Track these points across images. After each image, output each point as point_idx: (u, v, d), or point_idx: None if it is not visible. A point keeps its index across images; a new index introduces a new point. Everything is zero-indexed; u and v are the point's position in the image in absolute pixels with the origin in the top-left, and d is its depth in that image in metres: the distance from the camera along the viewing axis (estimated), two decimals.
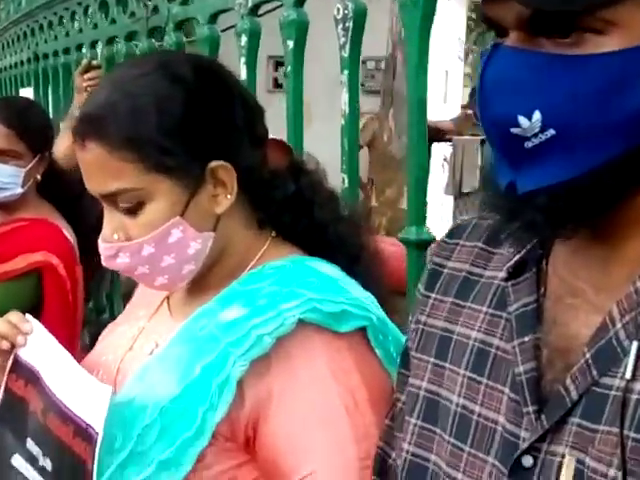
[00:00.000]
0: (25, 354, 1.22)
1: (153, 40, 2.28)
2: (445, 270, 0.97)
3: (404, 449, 0.95)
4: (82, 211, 2.49)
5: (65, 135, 2.78)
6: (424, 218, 1.48)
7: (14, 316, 1.25)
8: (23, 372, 1.21)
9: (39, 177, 2.39)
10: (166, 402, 1.07)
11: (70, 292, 2.31)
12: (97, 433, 1.04)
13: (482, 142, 6.66)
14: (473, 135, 6.80)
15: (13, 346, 1.23)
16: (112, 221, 1.12)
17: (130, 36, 2.40)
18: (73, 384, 1.12)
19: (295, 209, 1.19)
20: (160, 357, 1.13)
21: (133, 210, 1.10)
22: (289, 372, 1.07)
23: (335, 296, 1.10)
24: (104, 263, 1.15)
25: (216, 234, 1.14)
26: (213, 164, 1.11)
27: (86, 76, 2.78)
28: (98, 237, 2.56)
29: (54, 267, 2.26)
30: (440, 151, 7.01)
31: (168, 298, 1.25)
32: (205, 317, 1.12)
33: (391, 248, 1.45)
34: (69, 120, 2.83)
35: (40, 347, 1.21)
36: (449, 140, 7.15)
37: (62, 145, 2.71)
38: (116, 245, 1.12)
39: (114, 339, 1.25)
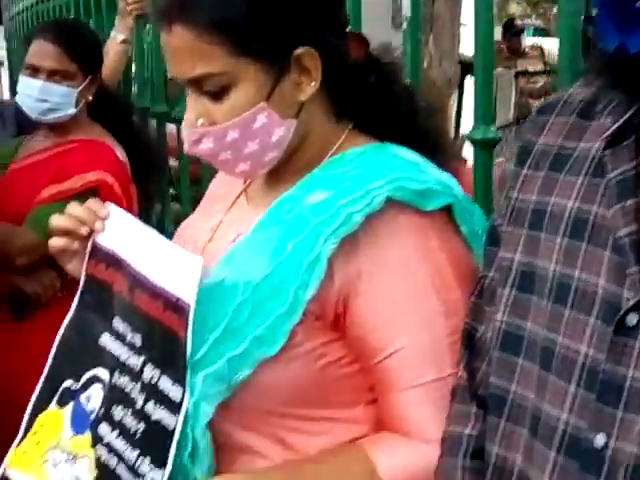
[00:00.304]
0: (104, 239, 1.23)
1: None
2: (536, 146, 0.99)
3: (497, 320, 0.97)
4: (132, 132, 2.52)
5: (107, 57, 2.81)
6: (491, 117, 1.48)
7: (92, 202, 1.27)
8: (103, 257, 1.23)
9: (90, 98, 2.42)
10: (258, 280, 1.10)
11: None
12: (189, 305, 1.07)
13: (516, 75, 6.60)
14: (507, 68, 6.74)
15: (91, 233, 1.25)
16: (196, 106, 1.13)
17: None
18: (161, 259, 1.15)
19: (374, 100, 1.20)
20: (246, 242, 1.15)
21: (218, 95, 1.11)
22: (377, 251, 1.10)
23: (420, 175, 1.12)
24: (186, 149, 1.17)
25: (298, 122, 1.15)
26: (299, 50, 1.11)
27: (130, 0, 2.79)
28: (150, 158, 2.60)
29: (109, 186, 2.30)
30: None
31: (245, 191, 1.28)
32: (289, 203, 1.14)
33: None
34: (111, 44, 2.85)
35: (120, 230, 1.23)
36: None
37: (106, 68, 2.74)
38: (200, 130, 1.13)
39: (192, 233, 1.28)
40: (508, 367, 0.95)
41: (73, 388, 1.23)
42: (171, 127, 2.79)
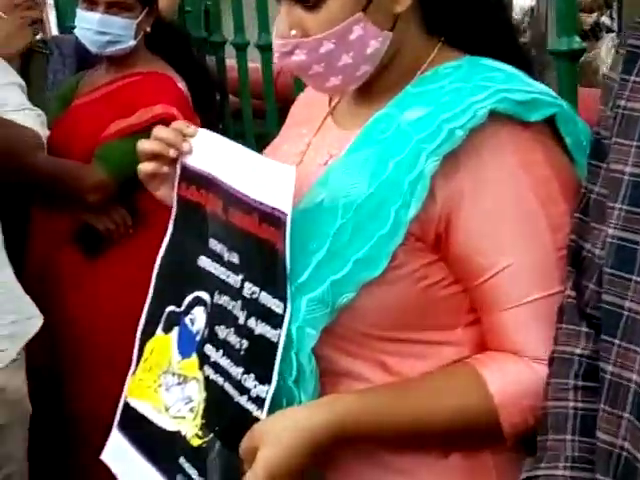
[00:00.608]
0: (192, 160, 1.22)
1: None
2: None
3: (609, 234, 0.94)
4: (192, 64, 2.50)
5: None
6: (574, 28, 1.43)
7: (177, 123, 1.26)
8: (193, 178, 1.22)
9: (148, 29, 2.39)
10: (359, 201, 1.08)
11: None
12: (285, 214, 1.06)
13: None
14: None
15: (178, 156, 1.24)
16: (289, 16, 1.11)
17: None
18: (252, 173, 1.13)
19: (467, 14, 1.15)
20: (342, 162, 1.13)
21: (314, 4, 1.08)
22: (479, 167, 1.07)
23: (523, 86, 1.09)
24: (277, 61, 1.15)
25: (393, 35, 1.12)
26: None
27: None
28: (210, 90, 2.57)
29: (175, 118, 2.26)
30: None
31: (331, 113, 1.25)
32: (384, 121, 1.11)
33: None
34: None
35: (207, 149, 1.21)
36: None
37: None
38: (293, 41, 1.11)
39: (280, 157, 1.25)
40: (621, 283, 0.92)
41: (177, 312, 1.24)
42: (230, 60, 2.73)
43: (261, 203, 1.10)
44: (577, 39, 1.43)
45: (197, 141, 1.22)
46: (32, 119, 2.05)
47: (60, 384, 2.35)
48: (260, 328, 1.10)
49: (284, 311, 1.07)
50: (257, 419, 1.07)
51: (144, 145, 1.24)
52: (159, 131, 1.24)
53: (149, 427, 1.23)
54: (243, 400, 1.10)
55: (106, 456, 1.32)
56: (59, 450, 2.37)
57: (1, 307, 2.00)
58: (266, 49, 2.29)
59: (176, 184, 1.26)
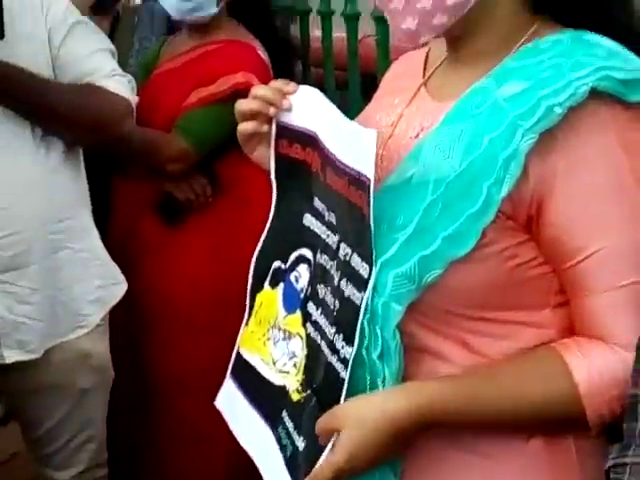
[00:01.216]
0: (291, 118, 1.21)
1: None
2: None
3: None
4: (273, 32, 2.48)
5: None
6: None
7: (276, 82, 1.24)
8: (294, 136, 1.21)
9: None
10: (452, 177, 1.06)
11: None
12: (369, 179, 1.05)
13: None
14: None
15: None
16: None
17: None
18: (342, 135, 1.12)
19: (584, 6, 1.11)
20: (434, 136, 1.11)
21: None
22: (577, 147, 1.04)
23: (626, 64, 1.05)
24: None
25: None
26: None
27: None
28: (291, 59, 2.55)
29: None
30: None
31: (425, 84, 1.23)
32: (480, 95, 1.08)
33: None
34: None
35: (304, 107, 1.20)
36: None
37: None
38: None
39: (372, 127, 1.22)
40: None
41: (282, 268, 1.25)
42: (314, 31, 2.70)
43: (349, 167, 1.09)
44: None
45: (295, 98, 1.20)
46: (123, 86, 2.07)
47: (139, 350, 2.40)
48: (348, 290, 1.10)
49: (369, 275, 1.07)
50: (343, 380, 1.08)
51: (242, 105, 1.23)
52: (258, 89, 1.23)
53: (258, 378, 1.25)
54: (334, 360, 1.11)
55: (219, 402, 1.35)
56: (137, 415, 2.42)
57: (88, 271, 2.05)
58: (352, 19, 2.26)
59: (273, 142, 1.25)
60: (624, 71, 1.04)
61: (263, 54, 2.37)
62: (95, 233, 2.10)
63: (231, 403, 1.32)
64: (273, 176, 1.27)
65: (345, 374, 1.08)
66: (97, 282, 2.07)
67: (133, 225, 2.38)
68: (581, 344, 1.07)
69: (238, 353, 1.32)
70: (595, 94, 1.03)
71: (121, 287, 2.13)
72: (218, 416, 1.34)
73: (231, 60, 2.31)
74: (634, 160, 1.04)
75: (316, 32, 2.61)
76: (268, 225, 1.30)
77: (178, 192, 2.33)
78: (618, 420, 1.00)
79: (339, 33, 2.44)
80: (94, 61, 2.04)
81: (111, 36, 2.76)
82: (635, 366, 1.00)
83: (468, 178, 1.05)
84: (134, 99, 2.10)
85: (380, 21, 2.06)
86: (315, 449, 1.09)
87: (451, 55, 1.20)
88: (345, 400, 1.08)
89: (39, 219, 1.94)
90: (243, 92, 2.19)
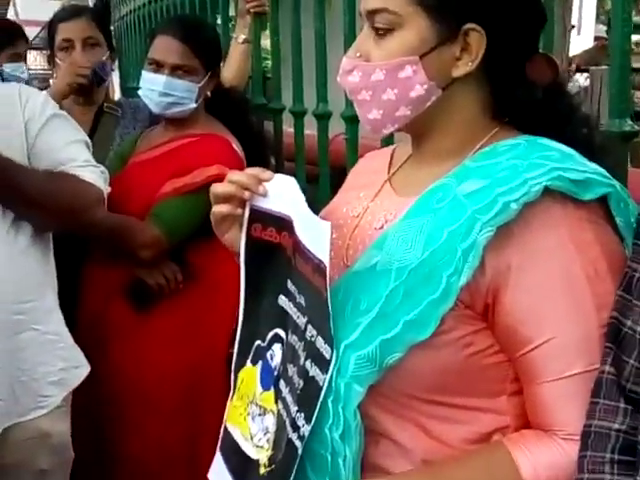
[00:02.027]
0: (265, 203, 1.26)
1: None
2: None
3: None
4: (248, 128, 2.56)
5: (231, 58, 2.86)
6: (627, 110, 1.47)
7: (253, 169, 1.29)
8: (272, 220, 1.26)
9: (209, 94, 2.47)
10: (413, 265, 1.11)
11: None
12: (325, 266, 1.11)
13: None
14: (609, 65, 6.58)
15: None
16: (362, 41, 1.19)
17: None
18: (305, 222, 1.18)
19: (531, 99, 1.20)
20: (398, 228, 1.17)
21: (383, 34, 1.16)
22: (531, 241, 1.10)
23: (578, 166, 1.12)
24: (338, 79, 1.22)
25: (442, 96, 1.17)
26: (470, 25, 1.14)
27: None
28: (265, 154, 2.62)
29: None
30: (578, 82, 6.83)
31: (389, 181, 1.30)
32: (441, 191, 1.15)
33: None
34: (233, 45, 2.90)
35: (279, 192, 1.25)
36: (585, 70, 6.97)
37: (229, 68, 2.80)
38: (355, 61, 1.19)
39: (337, 219, 1.29)
40: None
41: (262, 346, 1.29)
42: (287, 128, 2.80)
43: (312, 254, 1.15)
44: (629, 121, 1.46)
45: (270, 185, 1.26)
46: (97, 175, 2.13)
47: (104, 433, 2.40)
48: (313, 371, 1.15)
49: (330, 357, 1.12)
50: (302, 457, 1.12)
51: (217, 188, 1.28)
52: (234, 175, 1.28)
53: (239, 452, 1.29)
54: (294, 437, 1.15)
55: (210, 476, 1.38)
56: None
57: (51, 353, 2.06)
58: (323, 117, 2.35)
59: (245, 226, 1.29)
60: (576, 172, 1.10)
61: (238, 148, 2.45)
62: (59, 315, 2.12)
63: (219, 477, 1.35)
64: (242, 259, 1.31)
65: (301, 451, 1.12)
66: (60, 364, 2.08)
67: (103, 308, 2.40)
68: (528, 439, 1.11)
69: (225, 428, 1.35)
70: (549, 193, 1.09)
71: (84, 370, 2.14)
72: None
73: (207, 153, 2.38)
74: (583, 257, 1.10)
75: (289, 129, 2.69)
76: (243, 305, 1.34)
77: (149, 277, 2.36)
78: None
79: (310, 131, 2.52)
80: (69, 151, 2.11)
81: (94, 128, 2.85)
82: (583, 452, 1.05)
83: (429, 267, 1.10)
84: (106, 189, 2.15)
85: (350, 120, 2.15)
86: None
87: (415, 153, 1.27)
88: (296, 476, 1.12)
89: (4, 299, 1.96)
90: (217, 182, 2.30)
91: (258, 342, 1.30)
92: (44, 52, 2.79)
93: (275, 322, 1.27)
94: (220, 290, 2.28)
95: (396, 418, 1.15)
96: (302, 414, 1.14)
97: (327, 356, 1.12)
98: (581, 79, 7.09)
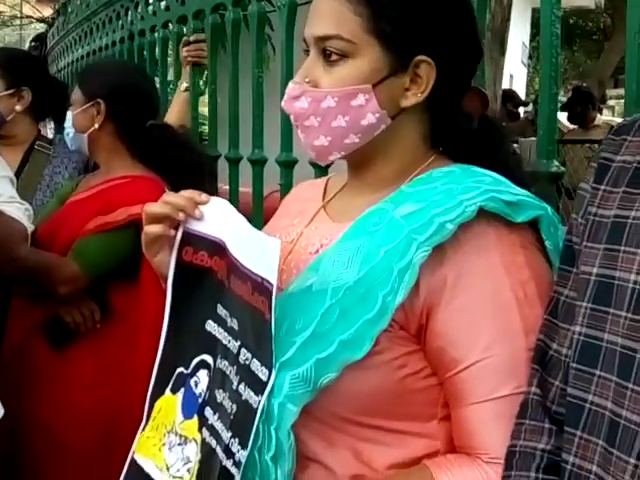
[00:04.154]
0: (198, 226, 1.24)
1: (263, 4, 2.32)
2: (614, 164, 1.01)
3: (576, 332, 0.98)
4: (176, 168, 2.53)
5: (173, 105, 2.91)
6: (554, 152, 1.51)
7: (189, 192, 1.27)
8: (204, 243, 1.24)
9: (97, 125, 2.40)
10: (350, 283, 1.11)
11: None
12: (272, 284, 1.09)
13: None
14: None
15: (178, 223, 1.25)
16: (310, 67, 1.18)
17: (237, 1, 2.44)
18: (247, 243, 1.17)
19: (466, 131, 1.23)
20: (334, 250, 1.17)
21: (335, 60, 1.16)
22: (463, 263, 1.11)
23: (510, 189, 1.15)
24: (283, 104, 1.21)
25: (391, 125, 1.18)
26: (422, 57, 1.16)
27: (185, 49, 2.84)
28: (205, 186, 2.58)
29: None
30: None
31: (324, 207, 1.31)
32: (377, 215, 1.17)
33: None
34: (177, 92, 2.94)
35: (213, 216, 1.23)
36: (514, 142, 7.14)
37: (170, 114, 2.82)
38: (304, 87, 1.18)
39: None
40: (585, 378, 0.96)
41: (184, 373, 1.25)
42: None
43: (253, 273, 1.13)
44: (556, 163, 1.51)
45: (206, 209, 1.24)
46: (21, 212, 2.11)
47: (18, 471, 2.31)
48: (246, 394, 1.12)
49: (268, 378, 1.10)
50: None
51: (151, 208, 1.25)
52: (169, 196, 1.26)
53: None
54: (229, 464, 1.11)
55: None
56: None
57: None
58: (258, 163, 2.36)
59: (176, 249, 1.27)
60: (509, 194, 1.13)
61: (167, 189, 2.43)
62: None
63: None
64: (170, 282, 1.29)
65: (238, 478, 1.09)
66: None
67: (23, 346, 2.34)
68: (452, 463, 1.11)
69: (133, 459, 1.30)
70: (483, 214, 1.11)
71: None
72: None
73: (135, 193, 2.34)
74: (513, 280, 1.12)
75: (225, 186, 2.66)
76: (165, 333, 1.31)
77: (66, 314, 2.31)
78: None
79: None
80: None
81: (22, 165, 2.81)
82: (509, 472, 1.05)
83: (365, 286, 1.10)
84: (30, 227, 2.12)
85: (284, 165, 2.17)
86: None
87: (352, 181, 1.28)
88: None
89: None
90: (139, 222, 2.27)
91: (180, 369, 1.27)
92: None
93: (201, 348, 1.24)
94: (141, 333, 2.22)
95: (326, 441, 1.14)
96: (237, 439, 1.11)
97: (264, 378, 1.10)
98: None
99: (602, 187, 1.01)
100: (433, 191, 1.15)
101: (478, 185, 1.13)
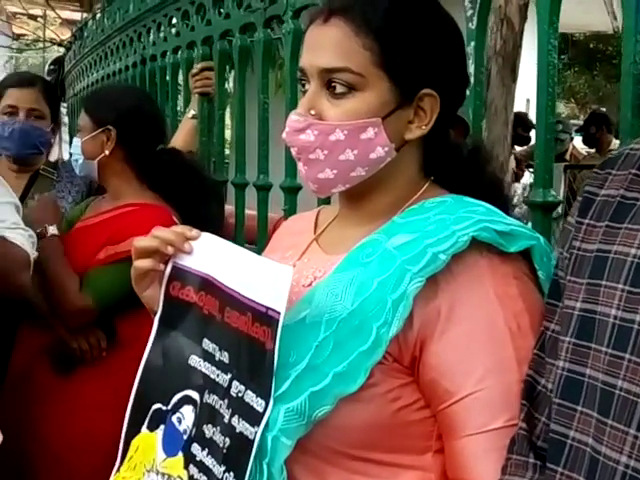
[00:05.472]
0: (187, 262, 1.24)
1: (269, 31, 2.34)
2: (598, 198, 1.01)
3: (559, 367, 0.98)
4: (184, 197, 2.55)
5: (180, 131, 2.92)
6: (550, 182, 1.51)
7: (179, 227, 1.28)
8: (189, 279, 1.24)
9: (107, 152, 2.43)
10: (344, 315, 1.11)
11: None
12: (279, 312, 1.08)
13: (565, 169, 6.62)
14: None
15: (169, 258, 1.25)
16: (313, 98, 1.16)
17: (244, 28, 2.46)
18: (250, 274, 1.15)
19: (458, 161, 1.24)
20: (328, 282, 1.17)
21: (342, 94, 1.14)
22: (457, 294, 1.11)
23: (503, 219, 1.15)
24: (285, 136, 1.19)
25: (396, 157, 1.18)
26: (427, 90, 1.16)
27: (195, 79, 2.85)
28: (203, 223, 2.61)
29: None
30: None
31: (316, 240, 1.31)
32: (370, 246, 1.16)
33: None
34: (184, 119, 2.95)
35: (203, 251, 1.23)
36: (529, 166, 7.14)
37: (176, 140, 2.84)
38: (310, 120, 1.16)
39: None
40: (567, 414, 0.96)
41: (164, 410, 1.24)
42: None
43: (256, 302, 1.12)
44: (552, 192, 1.51)
45: (196, 244, 1.24)
46: (24, 238, 2.12)
47: None
48: (240, 426, 1.11)
49: (265, 409, 1.08)
50: None
51: (140, 242, 1.25)
52: (159, 231, 1.26)
53: None
54: None
55: None
56: None
57: None
58: (263, 189, 2.37)
59: (165, 284, 1.27)
60: (502, 224, 1.13)
61: (176, 218, 2.44)
62: None
63: None
64: (157, 317, 1.28)
65: None
66: None
67: (29, 370, 2.36)
68: None
69: None
70: (476, 244, 1.11)
71: None
72: None
73: (142, 222, 2.34)
74: (507, 311, 1.11)
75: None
76: (141, 370, 1.30)
77: (72, 341, 2.33)
78: None
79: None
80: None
81: (27, 190, 2.83)
82: None
83: (359, 318, 1.10)
84: (33, 254, 2.13)
85: (288, 191, 2.17)
86: None
87: (345, 212, 1.28)
88: None
89: None
90: None
91: (157, 406, 1.25)
92: None
93: (184, 384, 1.22)
94: None
95: (319, 476, 1.13)
96: (231, 473, 1.10)
97: (259, 409, 1.09)
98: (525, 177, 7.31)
99: (586, 221, 1.01)
100: (426, 221, 1.15)
101: (471, 215, 1.13)
